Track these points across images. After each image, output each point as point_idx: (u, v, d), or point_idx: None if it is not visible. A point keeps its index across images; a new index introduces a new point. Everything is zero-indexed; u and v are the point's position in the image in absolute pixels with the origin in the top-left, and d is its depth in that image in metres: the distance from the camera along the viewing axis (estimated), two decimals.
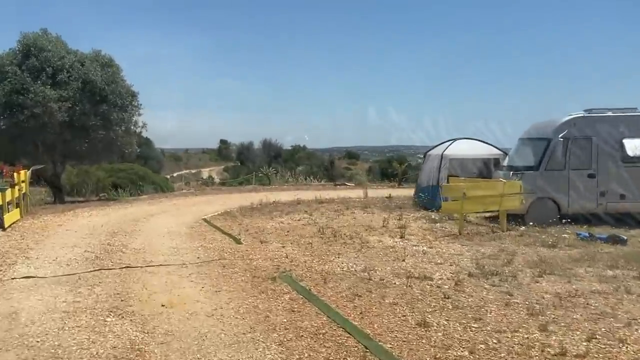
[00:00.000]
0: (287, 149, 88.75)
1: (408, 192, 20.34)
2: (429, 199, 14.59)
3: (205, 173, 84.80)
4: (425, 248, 9.08)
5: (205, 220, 13.15)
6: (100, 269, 7.41)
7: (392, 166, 37.21)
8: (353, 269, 7.40)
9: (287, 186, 25.22)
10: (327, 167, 54.08)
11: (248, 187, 24.61)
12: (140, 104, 19.49)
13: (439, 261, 7.97)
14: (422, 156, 19.11)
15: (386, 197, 17.61)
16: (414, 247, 9.13)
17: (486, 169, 14.94)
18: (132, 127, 19.39)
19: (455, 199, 11.21)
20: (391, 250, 8.88)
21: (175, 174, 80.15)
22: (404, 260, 7.94)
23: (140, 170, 42.69)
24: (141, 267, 7.64)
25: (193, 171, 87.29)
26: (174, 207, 16.39)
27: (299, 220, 12.95)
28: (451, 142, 15.21)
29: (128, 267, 7.61)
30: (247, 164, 70.60)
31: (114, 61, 18.59)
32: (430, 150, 16.16)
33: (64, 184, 27.63)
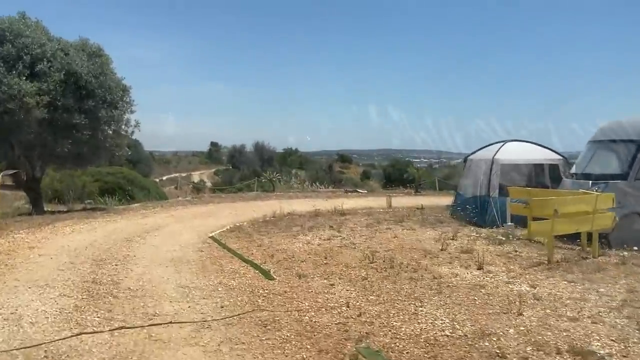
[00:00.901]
0: (279, 152, 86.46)
1: (434, 200, 17.96)
2: (476, 212, 12.18)
3: (195, 176, 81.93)
4: (526, 287, 6.62)
5: (214, 239, 10.60)
6: (79, 334, 4.83)
7: (399, 171, 34.91)
8: (460, 332, 4.92)
9: (293, 193, 22.69)
10: (326, 171, 51.64)
11: (251, 195, 22.03)
12: (133, 100, 16.90)
13: (569, 314, 5.51)
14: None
15: (417, 208, 15.14)
16: (511, 287, 6.66)
17: (542, 176, 12.60)
18: (124, 127, 16.75)
19: (535, 215, 8.82)
20: (482, 292, 6.41)
21: (164, 178, 77.31)
22: (521, 314, 5.46)
23: (130, 174, 39.98)
24: (142, 327, 5.07)
25: (183, 174, 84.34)
26: (173, 220, 13.78)
27: (328, 239, 10.46)
28: (502, 144, 12.81)
29: (122, 327, 5.04)
30: (239, 167, 67.91)
31: (103, 50, 15.96)
32: (473, 154, 13.75)
33: (45, 190, 24.89)
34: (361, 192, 22.71)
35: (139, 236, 10.88)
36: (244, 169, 53.98)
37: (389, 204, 16.42)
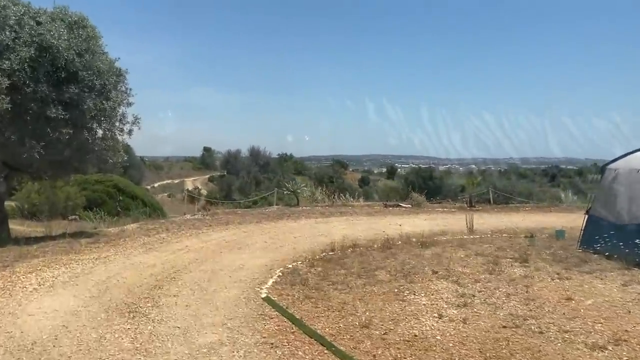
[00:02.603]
0: (274, 157, 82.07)
1: (514, 220, 13.82)
2: None
3: (188, 183, 77.12)
4: None
5: (273, 303, 6.27)
6: None
7: (422, 178, 30.71)
8: None
9: (323, 208, 18.35)
10: (332, 179, 47.37)
11: (273, 211, 17.65)
12: (130, 89, 12.50)
13: None
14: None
15: (527, 237, 10.89)
16: None
17: None
18: (118, 124, 12.32)
19: None
20: None
21: (156, 184, 72.44)
22: None
23: (121, 183, 35.33)
24: None
25: (176, 181, 79.64)
26: (192, 257, 9.40)
27: (462, 305, 6.21)
28: None
29: None
30: (236, 173, 63.32)
31: (89, 21, 11.52)
32: (615, 161, 9.55)
33: (19, 206, 20.32)
34: (405, 207, 18.45)
35: (146, 296, 6.53)
36: (244, 176, 49.43)
37: (470, 226, 12.20)
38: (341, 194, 20.84)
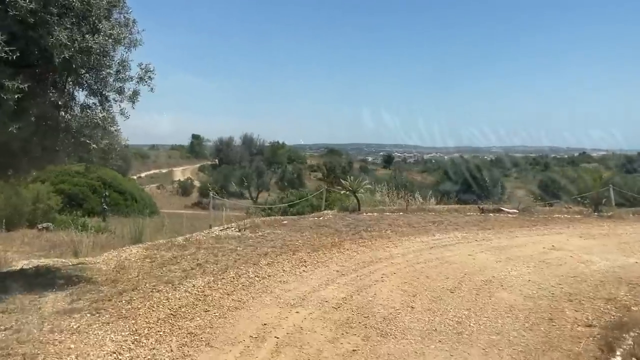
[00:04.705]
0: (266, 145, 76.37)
1: None
2: None
3: (177, 173, 70.82)
4: None
5: None
6: None
7: (475, 174, 25.36)
8: None
9: (397, 215, 12.88)
10: (345, 169, 41.78)
11: (330, 219, 12.10)
12: (135, 21, 6.77)
13: None
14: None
15: None
16: None
17: None
18: (113, 80, 6.67)
19: None
20: None
21: (143, 175, 65.92)
22: None
23: (107, 175, 29.38)
24: None
25: (164, 170, 73.31)
26: None
27: None
28: None
29: None
30: (233, 163, 57.26)
31: None
32: None
33: None
34: (511, 212, 13.06)
35: None
36: (247, 167, 43.53)
37: None
38: (405, 193, 15.37)
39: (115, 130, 7.24)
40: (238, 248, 8.73)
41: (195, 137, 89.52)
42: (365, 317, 5.18)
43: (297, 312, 5.34)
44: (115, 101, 7.05)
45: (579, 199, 14.06)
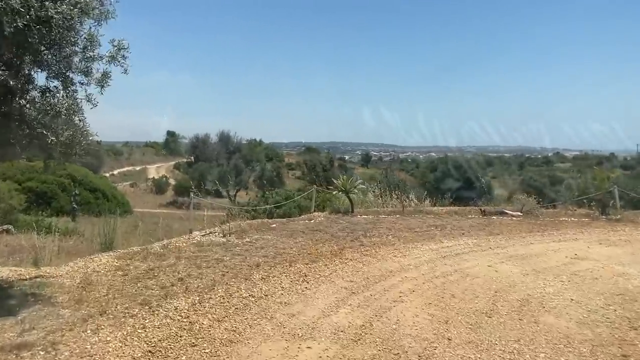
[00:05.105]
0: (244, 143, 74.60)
1: None
2: None
3: (152, 170, 68.80)
4: None
5: None
6: None
7: (456, 173, 24.61)
8: None
9: (394, 218, 11.90)
10: (326, 167, 40.70)
11: (321, 222, 11.04)
12: (111, 9, 5.56)
13: None
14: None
15: None
16: None
17: None
18: (79, 59, 5.48)
19: None
20: None
21: (116, 172, 63.74)
22: None
23: (77, 172, 27.73)
24: None
25: (137, 168, 71.19)
26: None
27: None
28: None
29: None
30: (203, 160, 55.40)
31: None
32: None
33: None
34: (514, 215, 12.20)
35: None
36: (224, 165, 42.09)
37: None
38: (397, 194, 14.41)
39: (80, 120, 6.08)
40: (225, 258, 7.59)
41: (171, 134, 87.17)
42: (395, 354, 4.13)
43: (308, 347, 4.26)
44: (82, 85, 5.89)
45: (584, 200, 13.28)
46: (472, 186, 22.20)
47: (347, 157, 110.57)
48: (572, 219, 12.04)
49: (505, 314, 5.06)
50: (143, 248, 8.46)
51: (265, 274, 6.63)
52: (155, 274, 6.73)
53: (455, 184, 22.79)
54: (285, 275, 6.52)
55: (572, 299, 5.54)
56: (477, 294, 5.73)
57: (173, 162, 75.67)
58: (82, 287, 6.20)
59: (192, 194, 11.88)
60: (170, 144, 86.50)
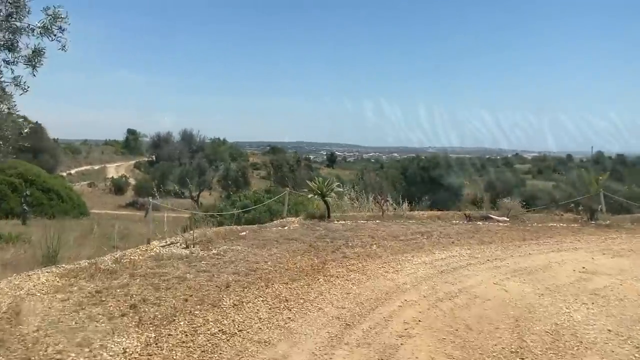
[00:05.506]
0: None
1: None
2: None
3: (111, 170, 66.14)
4: None
5: None
6: None
7: (421, 170, 23.93)
8: None
9: (375, 224, 10.92)
10: (293, 167, 39.50)
11: (296, 228, 9.96)
12: None
13: None
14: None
15: None
16: None
17: None
18: (2, 53, 4.25)
19: None
20: None
21: (73, 171, 60.83)
22: None
23: (29, 171, 25.78)
24: None
25: (96, 167, 68.36)
26: None
27: None
28: None
29: None
30: (164, 159, 53.41)
31: None
32: None
33: None
34: (500, 220, 11.42)
35: None
36: (186, 164, 40.40)
37: None
38: (382, 197, 13.46)
39: (9, 109, 4.86)
40: (188, 275, 6.39)
41: (131, 132, 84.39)
42: None
43: None
44: (7, 63, 4.66)
45: (571, 204, 12.63)
46: (443, 187, 21.51)
47: (312, 157, 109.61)
48: (561, 224, 11.32)
49: (540, 353, 4.08)
50: (92, 263, 7.16)
51: (238, 298, 5.48)
52: (103, 299, 5.50)
53: (428, 185, 22.06)
54: (262, 300, 5.40)
55: (609, 330, 4.63)
56: (496, 324, 4.75)
57: (133, 161, 73.24)
58: (7, 318, 4.92)
59: (150, 199, 10.50)
60: (130, 143, 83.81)
